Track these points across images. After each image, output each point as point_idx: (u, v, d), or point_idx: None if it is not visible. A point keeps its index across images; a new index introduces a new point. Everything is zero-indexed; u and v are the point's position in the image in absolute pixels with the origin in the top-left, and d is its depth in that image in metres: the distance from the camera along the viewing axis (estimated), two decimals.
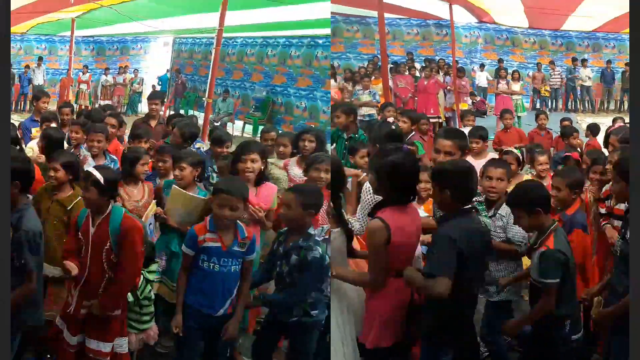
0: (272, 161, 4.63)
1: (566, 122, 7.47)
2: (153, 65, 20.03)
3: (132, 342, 3.27)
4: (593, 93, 17.10)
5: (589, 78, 16.72)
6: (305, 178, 3.89)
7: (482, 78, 15.99)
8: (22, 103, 17.00)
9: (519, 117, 12.14)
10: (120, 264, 2.88)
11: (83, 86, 17.02)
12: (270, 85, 14.43)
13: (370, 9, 10.87)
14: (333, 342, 2.79)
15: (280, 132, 5.90)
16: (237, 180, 3.28)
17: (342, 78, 13.37)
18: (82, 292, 2.95)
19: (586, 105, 17.37)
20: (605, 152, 5.13)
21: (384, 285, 2.61)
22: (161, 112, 7.85)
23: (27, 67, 16.84)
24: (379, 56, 10.83)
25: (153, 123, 6.07)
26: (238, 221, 3.01)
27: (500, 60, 16.41)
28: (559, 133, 7.14)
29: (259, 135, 9.38)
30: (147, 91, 16.91)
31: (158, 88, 17.34)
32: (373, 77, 11.77)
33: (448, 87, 12.50)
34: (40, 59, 17.23)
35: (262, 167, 3.69)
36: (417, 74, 12.82)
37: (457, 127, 9.14)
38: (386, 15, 7.80)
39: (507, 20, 15.60)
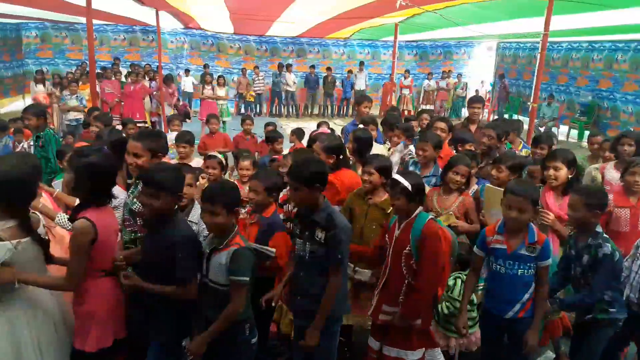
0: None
1: (270, 127, 7.24)
2: (477, 69, 19.73)
3: (452, 347, 3.32)
4: (297, 98, 17.38)
5: (294, 83, 16.95)
6: (622, 183, 3.80)
7: (187, 83, 15.83)
8: (345, 107, 17.38)
9: (224, 122, 12.04)
10: (419, 271, 2.86)
11: (405, 91, 17.13)
12: (595, 89, 13.96)
13: (79, 15, 10.30)
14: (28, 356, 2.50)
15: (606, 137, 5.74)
16: (528, 183, 3.21)
17: (51, 83, 12.36)
18: (382, 295, 3.02)
19: (290, 110, 17.30)
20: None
21: (79, 285, 2.60)
22: (484, 117, 8.27)
23: (350, 72, 17.15)
24: (87, 62, 10.55)
25: (473, 127, 5.87)
26: (532, 224, 2.91)
27: (205, 66, 16.31)
28: (263, 137, 6.99)
29: (584, 139, 9.32)
30: (471, 96, 16.32)
31: (482, 93, 16.83)
32: (80, 82, 11.67)
33: (154, 92, 12.27)
34: (361, 63, 17.46)
35: (569, 176, 3.55)
36: (124, 79, 12.45)
37: (164, 131, 9.06)
38: (94, 21, 7.60)
39: (212, 26, 15.71)
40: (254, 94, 16.70)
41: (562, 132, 13.95)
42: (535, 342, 2.92)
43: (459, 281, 3.31)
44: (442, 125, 5.00)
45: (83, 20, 9.47)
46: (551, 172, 3.57)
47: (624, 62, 13.01)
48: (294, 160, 3.34)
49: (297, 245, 2.94)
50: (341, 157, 3.93)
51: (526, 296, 2.93)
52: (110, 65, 14.78)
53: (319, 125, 7.51)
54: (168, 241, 2.64)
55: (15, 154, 4.23)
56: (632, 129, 11.13)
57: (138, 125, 8.72)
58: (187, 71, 16.44)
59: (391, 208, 3.20)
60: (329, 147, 3.84)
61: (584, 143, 7.03)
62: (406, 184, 2.88)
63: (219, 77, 13.79)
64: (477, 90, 17.30)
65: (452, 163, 3.86)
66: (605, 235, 3.03)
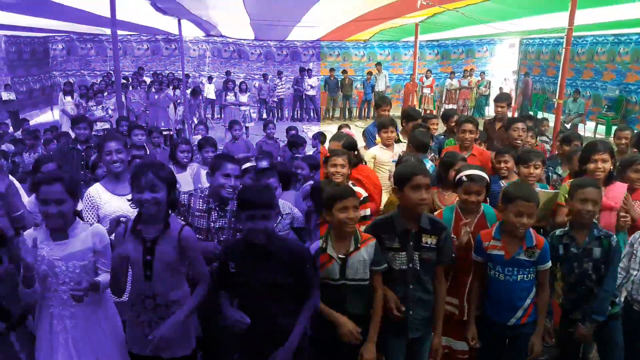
0: None
1: (292, 132, 7.33)
2: (499, 67, 19.48)
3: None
4: (318, 102, 17.31)
5: (312, 87, 16.85)
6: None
7: (210, 91, 16.07)
8: (366, 109, 17.20)
9: (247, 127, 12.27)
10: None
11: (426, 90, 16.95)
12: (623, 83, 13.61)
13: (104, 26, 10.50)
14: None
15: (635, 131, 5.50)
16: (529, 186, 3.25)
17: (78, 94, 12.46)
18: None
19: (311, 114, 17.31)
20: None
21: None
22: (509, 114, 7.39)
23: (370, 73, 16.99)
24: (112, 72, 10.80)
25: (498, 125, 5.86)
26: (530, 229, 2.90)
27: (227, 73, 16.67)
28: (286, 142, 7.01)
29: (611, 135, 8.59)
30: (494, 94, 16.10)
31: (507, 89, 16.37)
32: (106, 93, 11.90)
33: (178, 101, 12.38)
34: (379, 64, 17.22)
35: (611, 167, 3.59)
36: (148, 88, 12.58)
37: (188, 137, 9.02)
38: (118, 32, 7.71)
39: (233, 32, 15.64)
40: (276, 99, 16.75)
41: (589, 128, 13.69)
42: (541, 347, 2.93)
43: None
44: (469, 126, 4.92)
45: (108, 31, 9.69)
46: (600, 164, 3.57)
47: None
48: (413, 160, 3.31)
49: (395, 260, 2.83)
50: (356, 152, 4.15)
51: (527, 302, 2.93)
52: (135, 75, 15.05)
53: (339, 129, 7.51)
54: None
55: None
56: None
57: (164, 133, 9.08)
58: (209, 78, 16.62)
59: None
60: (350, 143, 4.05)
61: (611, 139, 6.37)
62: (487, 178, 3.02)
63: (241, 83, 13.94)
64: (500, 88, 16.79)
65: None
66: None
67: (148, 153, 5.88)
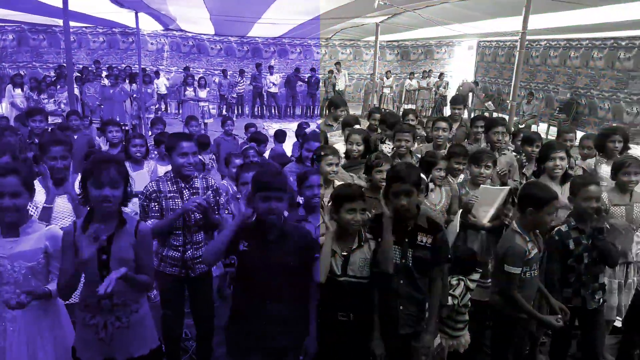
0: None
1: (251, 128, 7.38)
2: (458, 69, 19.90)
3: (444, 348, 3.33)
4: (279, 98, 17.16)
5: (274, 84, 16.67)
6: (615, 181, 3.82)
7: (160, 85, 15.32)
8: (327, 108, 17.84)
9: (205, 124, 12.11)
10: None
11: (386, 90, 17.21)
12: (574, 87, 14.19)
13: (56, 17, 10.24)
14: None
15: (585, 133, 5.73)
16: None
17: (28, 87, 11.78)
18: None
19: (272, 111, 17.12)
20: None
21: None
22: (464, 116, 7.93)
23: (331, 72, 17.16)
24: (65, 64, 10.54)
25: (455, 125, 5.99)
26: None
27: (187, 68, 16.48)
28: (247, 139, 7.10)
29: None
30: (452, 95, 16.53)
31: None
32: (59, 86, 11.19)
33: (134, 95, 11.91)
34: (338, 64, 17.41)
35: (568, 166, 3.73)
36: (104, 81, 12.33)
37: (142, 133, 8.56)
38: (72, 23, 7.57)
39: (193, 27, 15.65)
40: (236, 95, 16.51)
41: (542, 129, 13.88)
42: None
43: (462, 282, 3.29)
44: (443, 125, 5.05)
45: (60, 22, 9.28)
46: (558, 162, 3.73)
47: (599, 60, 13.26)
48: (398, 165, 3.19)
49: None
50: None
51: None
52: (91, 68, 14.66)
53: (299, 126, 7.51)
54: None
55: None
56: (610, 124, 11.59)
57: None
58: (157, 73, 15.96)
59: None
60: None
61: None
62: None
63: (200, 78, 13.67)
64: (458, 89, 17.32)
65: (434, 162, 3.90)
66: None
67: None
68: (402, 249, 2.84)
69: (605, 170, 4.39)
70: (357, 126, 5.15)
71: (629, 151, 4.60)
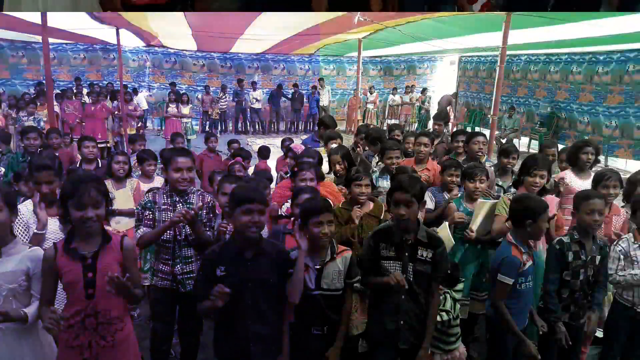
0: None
1: (235, 144, 7.34)
2: (440, 84, 20.03)
3: None
4: (263, 114, 17.23)
5: (257, 100, 16.75)
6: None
7: (141, 101, 15.25)
8: (311, 124, 17.12)
9: (188, 140, 12.18)
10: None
11: (370, 105, 17.44)
12: (554, 101, 14.34)
13: (35, 33, 10.15)
14: None
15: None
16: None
17: (7, 105, 11.85)
18: None
19: (256, 127, 16.73)
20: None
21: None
22: (446, 132, 7.83)
23: (314, 87, 17.29)
24: (45, 82, 10.20)
25: (436, 141, 6.10)
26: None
27: (172, 84, 16.35)
28: (228, 155, 7.09)
29: None
30: (434, 110, 16.98)
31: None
32: (39, 104, 11.23)
33: (116, 112, 11.97)
34: (321, 79, 17.62)
35: (546, 183, 3.81)
36: (85, 99, 12.47)
37: (125, 150, 8.25)
38: (52, 40, 7.11)
39: (175, 43, 15.54)
40: (219, 111, 16.47)
41: (523, 143, 14.25)
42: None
43: (448, 296, 3.29)
44: (425, 140, 5.13)
45: (39, 39, 9.17)
46: (537, 179, 3.76)
47: (578, 74, 13.44)
48: (401, 176, 3.26)
49: (389, 269, 2.88)
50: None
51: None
52: (70, 86, 14.48)
53: (283, 142, 7.47)
54: None
55: None
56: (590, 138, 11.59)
57: (100, 145, 8.58)
58: (135, 90, 15.85)
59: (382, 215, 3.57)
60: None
61: None
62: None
63: (182, 94, 13.64)
64: (438, 103, 17.62)
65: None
66: None
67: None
68: (402, 263, 2.86)
69: (578, 184, 4.50)
70: (334, 143, 5.19)
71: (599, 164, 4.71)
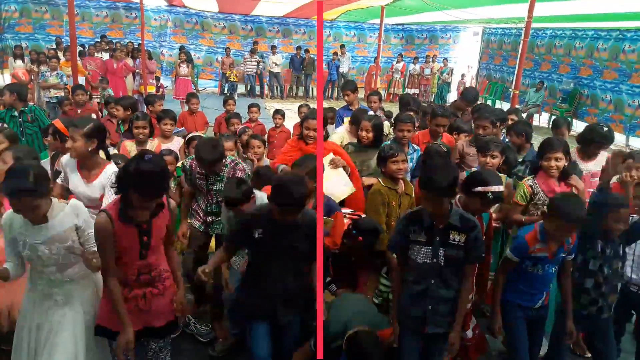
0: None
1: (254, 108, 7.30)
2: (462, 55, 19.60)
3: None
4: (282, 79, 17.05)
5: (277, 65, 16.56)
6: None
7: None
8: (330, 90, 17.09)
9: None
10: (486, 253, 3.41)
11: (397, 75, 17.33)
12: (577, 77, 13.98)
13: None
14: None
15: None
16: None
17: (29, 59, 11.89)
18: None
19: (275, 91, 17.05)
20: None
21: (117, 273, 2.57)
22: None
23: (335, 54, 17.11)
24: (65, 37, 10.44)
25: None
26: None
27: (181, 47, 15.98)
28: (248, 119, 7.14)
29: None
30: (456, 81, 16.86)
31: (469, 77, 17.13)
32: (62, 59, 11.25)
33: (137, 70, 12.09)
34: (342, 46, 17.45)
35: (566, 164, 3.69)
36: (107, 56, 12.48)
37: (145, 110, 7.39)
38: None
39: (196, 4, 15.64)
40: (237, 74, 16.32)
41: (543, 119, 14.03)
42: (573, 329, 3.17)
43: None
44: (443, 121, 4.88)
45: None
46: (552, 162, 3.65)
47: (604, 51, 13.08)
48: (434, 169, 3.06)
49: (419, 253, 2.81)
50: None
51: (550, 285, 3.19)
52: (93, 42, 14.52)
53: (300, 108, 7.49)
54: None
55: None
56: (610, 117, 12.25)
57: None
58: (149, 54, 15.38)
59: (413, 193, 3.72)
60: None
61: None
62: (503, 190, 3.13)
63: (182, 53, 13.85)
64: (463, 75, 17.45)
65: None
66: None
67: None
68: (432, 248, 2.78)
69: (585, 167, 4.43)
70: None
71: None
